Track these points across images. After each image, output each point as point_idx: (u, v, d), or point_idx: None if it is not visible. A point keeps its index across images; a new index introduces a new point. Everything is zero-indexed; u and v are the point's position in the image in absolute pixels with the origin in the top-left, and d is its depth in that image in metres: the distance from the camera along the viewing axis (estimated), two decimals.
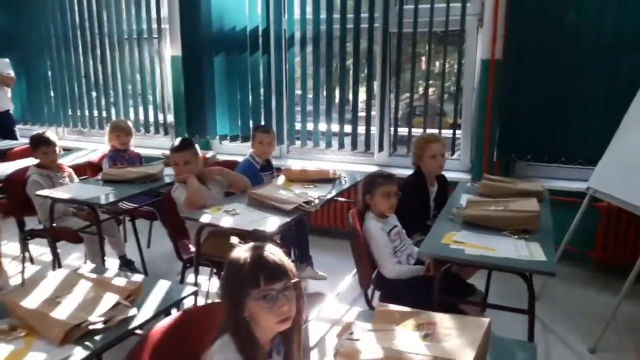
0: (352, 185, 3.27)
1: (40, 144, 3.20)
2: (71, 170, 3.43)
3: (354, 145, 4.23)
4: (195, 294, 1.73)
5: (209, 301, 2.99)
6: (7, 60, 4.93)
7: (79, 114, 5.27)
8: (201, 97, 4.53)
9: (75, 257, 3.73)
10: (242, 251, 1.23)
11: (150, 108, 4.97)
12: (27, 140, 4.40)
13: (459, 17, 3.65)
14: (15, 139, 4.87)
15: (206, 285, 3.04)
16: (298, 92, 4.46)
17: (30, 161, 3.44)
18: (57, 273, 1.70)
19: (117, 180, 3.17)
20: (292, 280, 1.21)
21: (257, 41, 4.29)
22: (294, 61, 4.30)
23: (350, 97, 4.14)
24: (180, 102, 4.65)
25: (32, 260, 3.65)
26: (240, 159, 3.71)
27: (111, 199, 2.91)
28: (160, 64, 4.76)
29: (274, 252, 1.23)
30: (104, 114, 5.14)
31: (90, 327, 1.41)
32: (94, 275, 1.69)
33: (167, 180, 3.30)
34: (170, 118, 4.89)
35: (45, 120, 5.43)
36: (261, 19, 4.22)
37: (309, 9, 4.07)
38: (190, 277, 2.85)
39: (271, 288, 1.18)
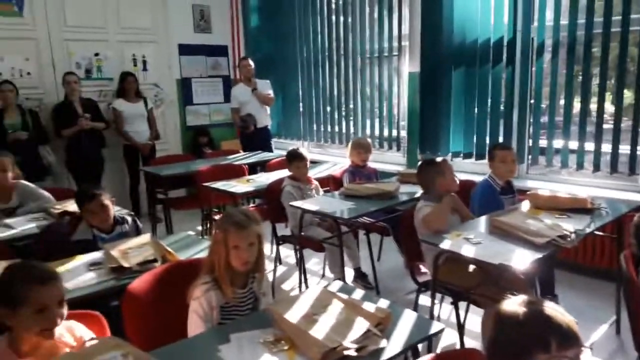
0: (616, 219, 2.77)
1: (294, 159, 3.56)
2: (317, 183, 3.73)
3: (614, 167, 3.62)
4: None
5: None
6: (268, 81, 5.65)
7: (322, 129, 5.76)
8: (436, 113, 4.49)
9: (314, 262, 4.05)
10: (517, 305, 1.07)
11: (384, 124, 5.13)
12: (281, 153, 5.01)
13: None
14: (271, 151, 5.56)
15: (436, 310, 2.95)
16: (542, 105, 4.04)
17: (285, 172, 3.87)
18: (311, 289, 1.82)
19: (357, 196, 3.32)
20: (584, 348, 1.02)
21: (501, 53, 4.03)
22: (542, 72, 3.91)
23: (611, 110, 3.57)
24: (414, 118, 4.68)
25: (280, 261, 4.09)
26: (472, 177, 3.52)
27: (352, 213, 3.05)
28: (398, 81, 4.86)
29: (562, 312, 1.05)
30: (344, 129, 5.51)
31: (344, 352, 1.44)
32: (345, 296, 1.74)
33: (402, 198, 3.33)
34: (403, 134, 4.95)
35: (294, 135, 6.09)
36: (507, 29, 3.95)
37: (563, 14, 3.65)
38: (421, 299, 2.81)
39: (564, 355, 1.00)
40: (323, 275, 3.84)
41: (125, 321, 1.83)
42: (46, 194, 3.23)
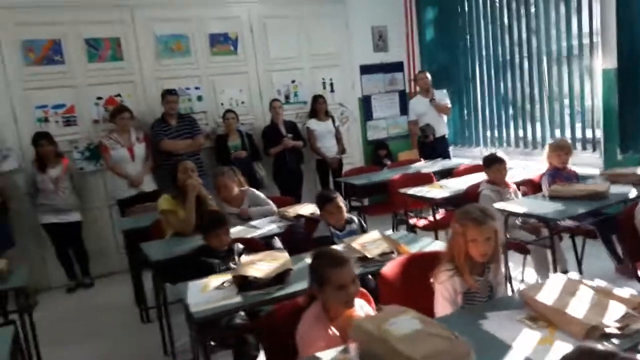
0: None
1: (494, 162, 3.64)
2: (515, 187, 3.78)
3: None
4: None
5: None
6: (444, 91, 5.81)
7: (502, 134, 5.74)
8: (637, 110, 4.23)
9: (510, 266, 4.06)
10: None
11: (575, 125, 4.94)
12: (458, 161, 5.16)
13: None
14: (449, 159, 5.68)
15: None
16: None
17: (474, 178, 3.99)
18: (556, 278, 1.95)
19: (563, 197, 3.30)
20: None
21: None
22: None
23: None
24: (610, 117, 4.45)
25: None
26: None
27: (562, 215, 3.07)
28: (591, 79, 4.67)
29: None
30: (528, 133, 5.42)
31: (606, 330, 1.56)
32: (593, 284, 1.84)
33: (612, 199, 3.23)
34: (598, 134, 4.72)
35: (472, 142, 6.15)
36: None
37: None
38: None
39: None
40: (522, 280, 3.85)
41: (381, 298, 2.16)
42: (269, 201, 3.79)
